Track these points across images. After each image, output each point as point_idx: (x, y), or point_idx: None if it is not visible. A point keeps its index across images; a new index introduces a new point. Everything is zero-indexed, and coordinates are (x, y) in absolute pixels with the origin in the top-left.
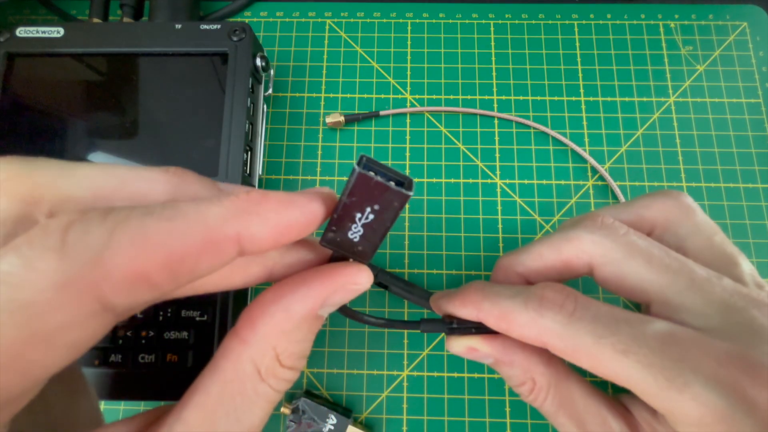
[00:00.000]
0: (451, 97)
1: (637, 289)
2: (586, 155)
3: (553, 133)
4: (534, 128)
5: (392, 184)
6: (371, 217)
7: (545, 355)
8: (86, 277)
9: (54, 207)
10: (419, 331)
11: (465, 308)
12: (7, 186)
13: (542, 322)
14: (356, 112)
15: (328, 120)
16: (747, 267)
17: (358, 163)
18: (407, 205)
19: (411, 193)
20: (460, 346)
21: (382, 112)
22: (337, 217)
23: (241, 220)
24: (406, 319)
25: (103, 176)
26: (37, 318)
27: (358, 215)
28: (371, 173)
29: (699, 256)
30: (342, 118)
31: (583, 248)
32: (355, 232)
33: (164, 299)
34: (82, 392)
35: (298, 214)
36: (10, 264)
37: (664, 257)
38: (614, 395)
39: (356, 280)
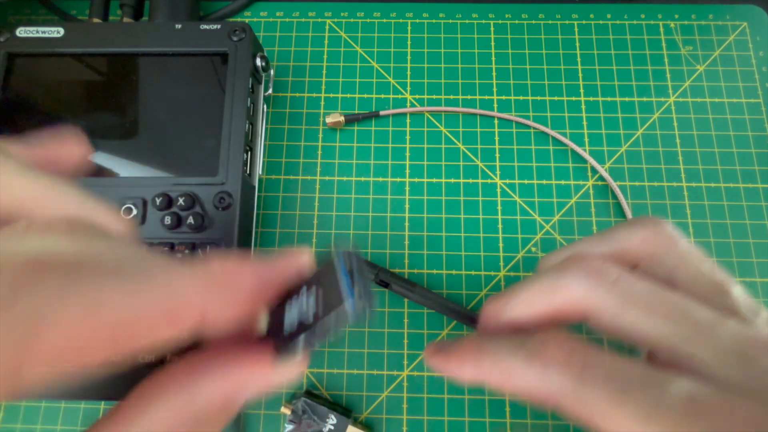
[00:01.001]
0: (451, 97)
1: (639, 338)
2: (586, 155)
3: (553, 133)
4: (534, 128)
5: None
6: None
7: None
8: (15, 351)
9: None
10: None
11: (463, 367)
12: None
13: (549, 381)
14: (356, 112)
15: (328, 120)
16: (739, 293)
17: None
18: (407, 205)
19: (351, 311)
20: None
21: (382, 112)
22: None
23: (208, 292)
24: (406, 319)
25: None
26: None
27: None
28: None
29: (691, 287)
30: (342, 118)
31: (574, 298)
32: (291, 320)
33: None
34: None
35: (264, 289)
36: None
37: (664, 302)
38: None
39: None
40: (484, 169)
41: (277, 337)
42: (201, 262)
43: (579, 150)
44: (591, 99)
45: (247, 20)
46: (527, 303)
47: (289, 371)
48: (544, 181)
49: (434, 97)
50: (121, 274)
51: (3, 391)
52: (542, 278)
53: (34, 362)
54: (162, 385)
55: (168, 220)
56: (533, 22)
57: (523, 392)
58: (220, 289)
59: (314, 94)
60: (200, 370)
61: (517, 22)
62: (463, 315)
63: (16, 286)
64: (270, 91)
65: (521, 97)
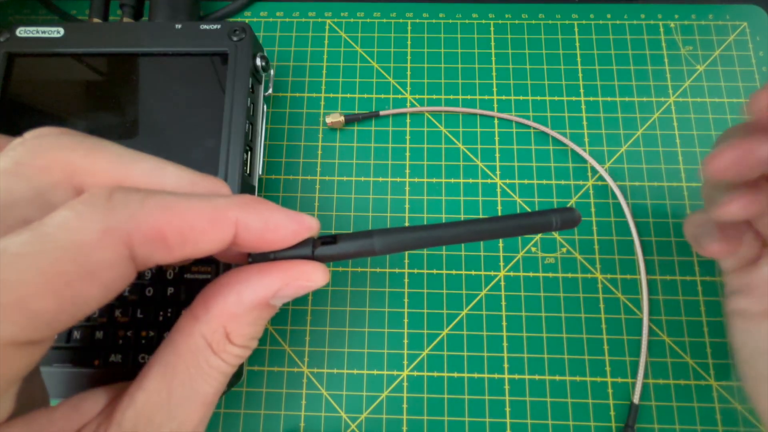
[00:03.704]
0: (451, 97)
1: None
2: (586, 155)
3: (553, 132)
4: (534, 128)
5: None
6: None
7: None
8: (122, 228)
9: (78, 184)
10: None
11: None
12: (32, 168)
13: None
14: (356, 112)
15: (328, 120)
16: None
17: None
18: (407, 205)
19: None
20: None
21: (382, 112)
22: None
23: (241, 210)
24: (406, 320)
25: (125, 165)
26: (85, 256)
27: None
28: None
29: None
30: (342, 118)
31: None
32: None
33: (167, 263)
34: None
35: (287, 219)
36: (65, 216)
37: None
38: None
39: (310, 277)
40: (484, 169)
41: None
42: (240, 195)
43: (579, 150)
44: (591, 99)
45: (247, 20)
46: None
47: (324, 273)
48: (544, 181)
49: (434, 97)
50: (177, 196)
51: (121, 270)
52: None
53: (138, 241)
54: (216, 287)
55: None
56: (533, 22)
57: None
58: (247, 206)
59: (314, 94)
60: (246, 275)
61: (517, 22)
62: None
63: (110, 194)
64: (270, 91)
65: (521, 97)
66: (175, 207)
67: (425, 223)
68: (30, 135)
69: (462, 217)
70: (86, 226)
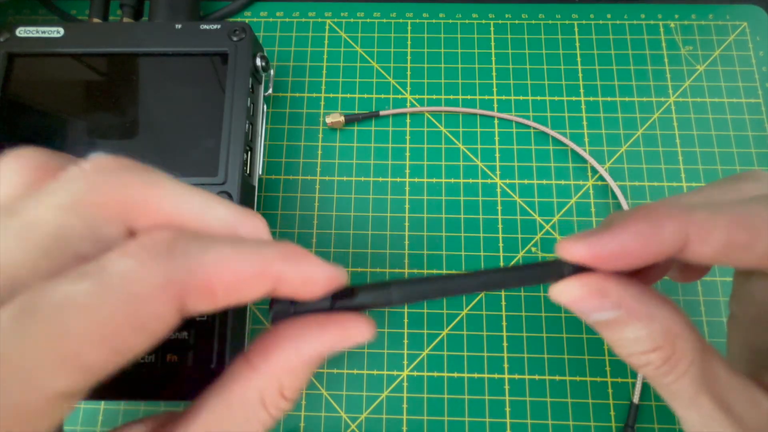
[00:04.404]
0: (451, 97)
1: None
2: (586, 155)
3: (553, 132)
4: (534, 128)
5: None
6: None
7: (685, 315)
8: (181, 281)
9: (129, 219)
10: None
11: (660, 229)
12: (90, 205)
13: None
14: (356, 112)
15: (328, 120)
16: None
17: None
18: (407, 205)
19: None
20: (578, 288)
21: (382, 112)
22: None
23: (285, 263)
24: (406, 320)
25: (186, 204)
26: (143, 308)
27: None
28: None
29: None
30: (342, 118)
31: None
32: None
33: (206, 312)
34: None
35: (322, 274)
36: (128, 265)
37: None
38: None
39: (364, 333)
40: (484, 169)
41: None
42: (277, 242)
43: (579, 150)
44: (591, 99)
45: (247, 20)
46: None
47: (373, 329)
48: (544, 181)
49: (434, 97)
50: (232, 245)
51: (170, 321)
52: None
53: (191, 294)
54: (278, 339)
55: None
56: (533, 22)
57: (764, 251)
58: (292, 263)
59: (314, 94)
60: (305, 329)
61: (517, 22)
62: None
63: (172, 244)
64: (270, 91)
65: (521, 97)
66: (231, 261)
67: (425, 222)
68: (90, 167)
69: (462, 217)
70: (148, 279)
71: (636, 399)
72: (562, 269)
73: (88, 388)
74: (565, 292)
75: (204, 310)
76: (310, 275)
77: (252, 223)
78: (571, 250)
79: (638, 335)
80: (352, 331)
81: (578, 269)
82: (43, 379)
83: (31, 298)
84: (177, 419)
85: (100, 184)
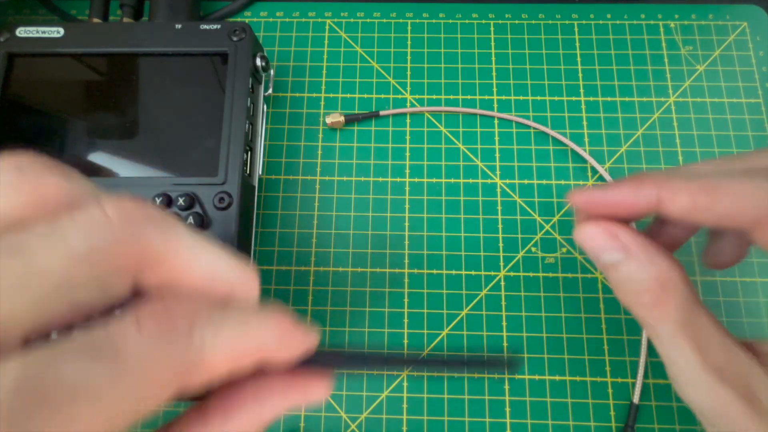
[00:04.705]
0: (451, 97)
1: None
2: (586, 155)
3: (552, 132)
4: (534, 128)
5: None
6: None
7: (684, 271)
8: (193, 370)
9: (138, 271)
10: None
11: (637, 188)
12: (105, 255)
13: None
14: (356, 112)
15: (328, 120)
16: None
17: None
18: (407, 205)
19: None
20: (597, 231)
21: (382, 112)
22: None
23: (280, 345)
24: (406, 320)
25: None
26: (150, 393)
27: None
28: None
29: None
30: (342, 118)
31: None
32: None
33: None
34: None
35: (304, 345)
36: (143, 346)
37: None
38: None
39: (324, 394)
40: (484, 169)
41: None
42: (273, 315)
43: (579, 150)
44: (591, 99)
45: (247, 20)
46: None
47: (326, 389)
48: (544, 181)
49: (434, 97)
50: (243, 325)
51: (170, 398)
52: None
53: (193, 377)
54: (240, 397)
55: None
56: (533, 22)
57: (722, 205)
58: (285, 342)
59: (314, 94)
60: (270, 389)
61: (517, 22)
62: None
63: (190, 328)
64: (270, 91)
65: (521, 97)
66: (239, 351)
67: (425, 222)
68: (115, 215)
69: (462, 217)
70: (164, 365)
71: (636, 399)
72: (502, 361)
73: None
74: (586, 231)
75: (197, 391)
76: (296, 352)
77: (249, 285)
78: (576, 197)
79: (637, 275)
80: (314, 392)
81: (512, 362)
82: None
83: (37, 371)
84: None
85: (123, 238)
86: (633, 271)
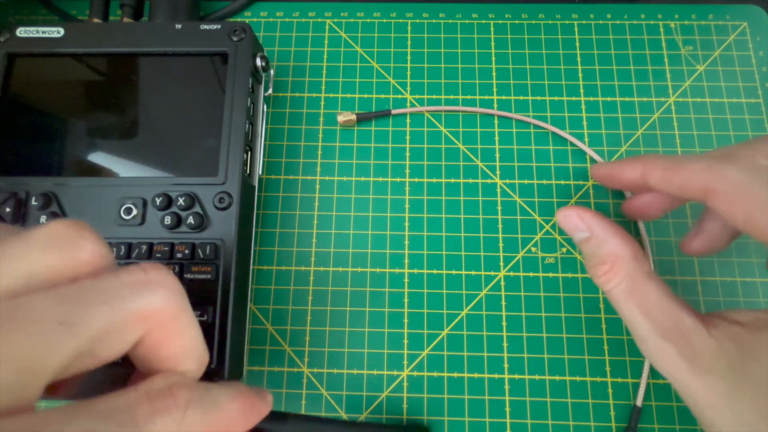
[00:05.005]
0: (451, 97)
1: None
2: (587, 149)
3: (560, 131)
4: (535, 126)
5: None
6: None
7: (636, 250)
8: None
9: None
10: None
11: (631, 165)
12: (109, 331)
13: (721, 168)
14: (366, 112)
15: (340, 119)
16: None
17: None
18: (407, 205)
19: None
20: (571, 213)
21: (394, 111)
22: None
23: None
24: (406, 320)
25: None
26: None
27: None
28: None
29: None
30: (354, 117)
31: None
32: None
33: None
34: None
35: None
36: (163, 424)
37: None
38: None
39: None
40: (484, 169)
41: None
42: (239, 393)
43: (580, 144)
44: (591, 99)
45: (247, 20)
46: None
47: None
48: (545, 181)
49: (434, 97)
50: (215, 408)
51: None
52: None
53: None
54: None
55: (168, 220)
56: (533, 22)
57: (682, 177)
58: (247, 414)
59: (314, 94)
60: None
61: (517, 22)
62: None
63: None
64: (270, 91)
65: (521, 97)
66: (214, 426)
67: (425, 222)
68: (137, 300)
69: (462, 217)
70: None
71: (639, 402)
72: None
73: None
74: (562, 213)
75: None
76: (257, 420)
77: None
78: (594, 169)
79: (594, 251)
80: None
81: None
82: None
83: None
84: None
85: (133, 323)
86: (593, 246)
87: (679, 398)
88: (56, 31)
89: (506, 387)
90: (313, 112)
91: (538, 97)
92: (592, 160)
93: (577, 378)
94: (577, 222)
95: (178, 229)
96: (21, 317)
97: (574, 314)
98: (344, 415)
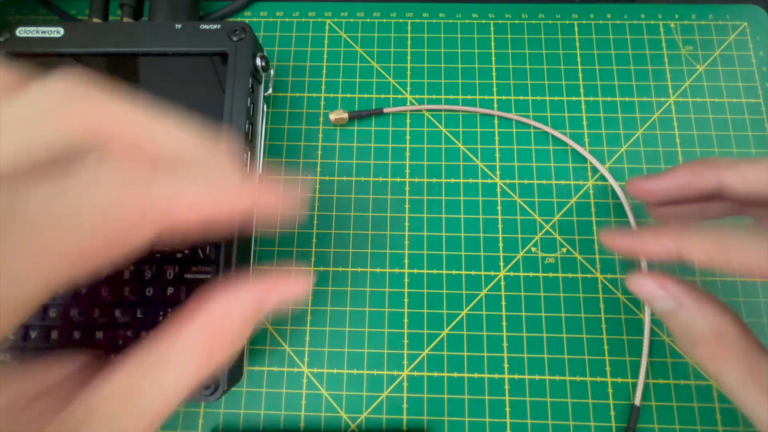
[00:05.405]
0: (451, 96)
1: None
2: (586, 154)
3: (553, 131)
4: (534, 127)
5: None
6: None
7: (741, 322)
8: (154, 214)
9: (101, 140)
10: None
11: (661, 241)
12: (67, 114)
13: None
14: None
15: (332, 117)
16: None
17: None
18: (407, 205)
19: None
20: (647, 282)
21: (386, 109)
22: None
23: (229, 194)
24: (406, 320)
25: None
26: (114, 231)
27: None
28: None
29: None
30: (345, 115)
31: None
32: None
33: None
34: None
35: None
36: (108, 182)
37: None
38: None
39: (303, 289)
40: (484, 169)
41: None
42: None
43: (579, 148)
44: (591, 99)
45: (247, 20)
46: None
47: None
48: (544, 181)
49: (434, 96)
50: (211, 185)
51: (138, 249)
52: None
53: (174, 220)
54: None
55: None
56: (533, 22)
57: (736, 261)
58: (235, 191)
59: (314, 94)
60: (230, 293)
61: (517, 22)
62: None
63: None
64: (270, 91)
65: (521, 97)
66: (199, 200)
67: (425, 222)
68: (58, 90)
69: (462, 217)
70: (124, 209)
71: (637, 401)
72: None
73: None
74: (637, 282)
75: (163, 242)
76: (247, 201)
77: (210, 153)
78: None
79: (688, 327)
80: (283, 293)
81: None
82: (5, 289)
83: (12, 200)
84: (104, 367)
85: (68, 103)
86: (686, 322)
87: (679, 398)
88: (56, 31)
89: (506, 387)
90: (313, 112)
91: (538, 97)
92: (581, 158)
93: (577, 378)
94: (656, 291)
95: None
96: None
97: (574, 314)
98: (344, 415)
